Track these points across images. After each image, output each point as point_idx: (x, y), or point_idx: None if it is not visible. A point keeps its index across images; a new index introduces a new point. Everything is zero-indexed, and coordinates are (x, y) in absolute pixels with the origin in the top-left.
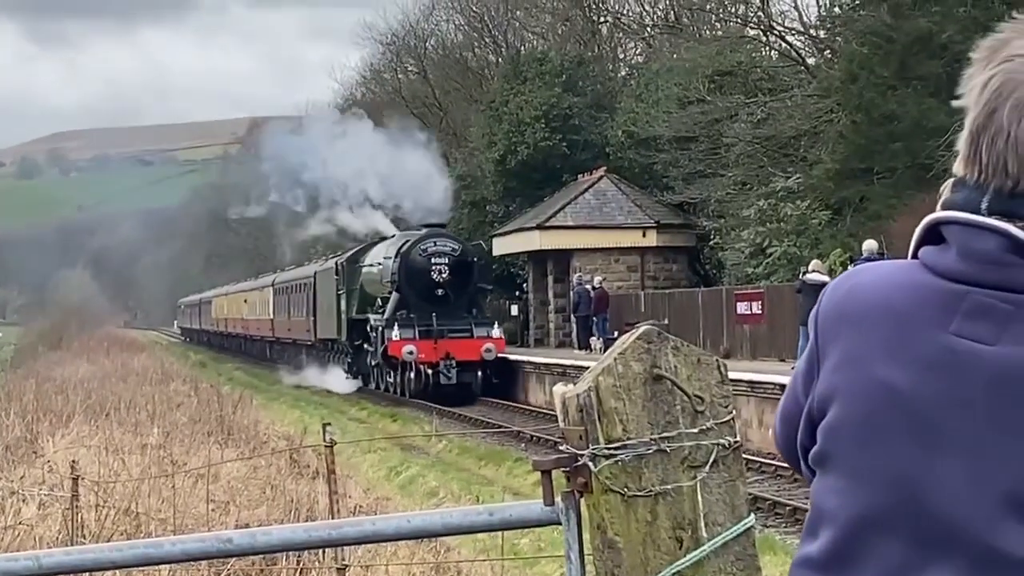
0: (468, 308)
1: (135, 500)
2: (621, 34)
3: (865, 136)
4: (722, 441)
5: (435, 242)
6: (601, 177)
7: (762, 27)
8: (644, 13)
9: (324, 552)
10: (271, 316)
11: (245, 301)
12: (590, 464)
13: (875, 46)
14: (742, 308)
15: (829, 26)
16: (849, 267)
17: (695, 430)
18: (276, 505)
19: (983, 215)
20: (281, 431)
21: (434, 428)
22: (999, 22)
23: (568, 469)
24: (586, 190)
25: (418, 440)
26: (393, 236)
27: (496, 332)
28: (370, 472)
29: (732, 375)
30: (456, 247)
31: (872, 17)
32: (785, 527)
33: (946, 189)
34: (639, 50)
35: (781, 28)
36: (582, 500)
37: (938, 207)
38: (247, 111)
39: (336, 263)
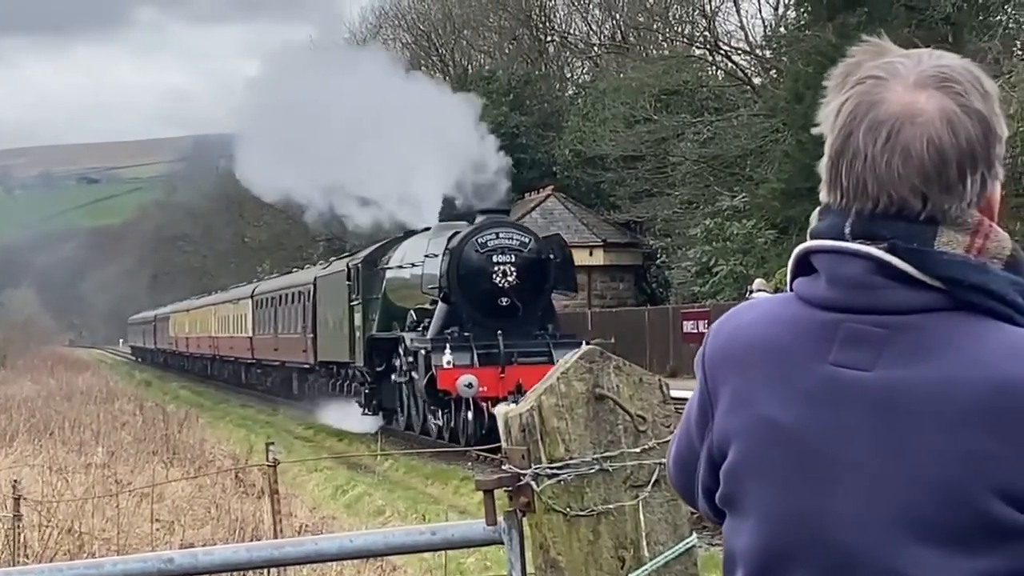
0: (542, 322)
1: (79, 520)
2: (568, 53)
3: (811, 155)
4: (664, 460)
5: (497, 233)
6: (548, 196)
7: (708, 47)
8: (591, 32)
9: (268, 572)
10: (250, 333)
11: (214, 315)
12: (532, 484)
13: (821, 66)
14: (688, 327)
15: (775, 46)
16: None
17: (637, 449)
18: (221, 524)
19: (847, 240)
20: (227, 450)
21: (379, 447)
22: (943, 43)
23: (511, 489)
24: (533, 208)
25: (364, 458)
26: (426, 229)
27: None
28: (316, 491)
29: (678, 394)
30: (526, 239)
31: (817, 37)
32: None
33: (814, 217)
34: (586, 69)
35: (727, 48)
36: (525, 519)
37: (808, 236)
38: (189, 129)
39: (348, 266)
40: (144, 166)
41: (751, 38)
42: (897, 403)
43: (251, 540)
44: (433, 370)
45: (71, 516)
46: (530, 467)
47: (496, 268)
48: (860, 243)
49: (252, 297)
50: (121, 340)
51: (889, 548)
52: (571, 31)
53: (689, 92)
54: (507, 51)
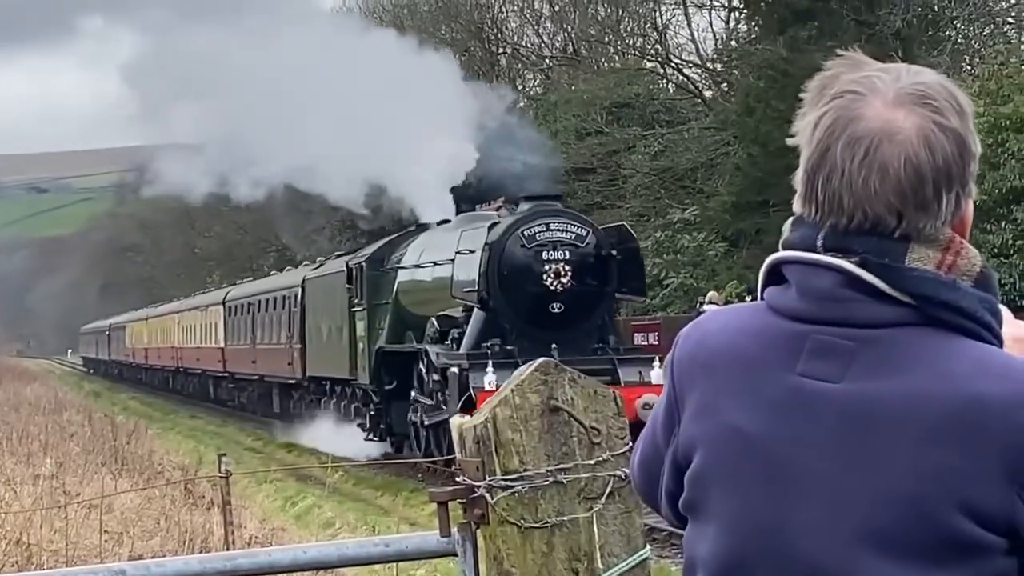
0: (601, 334)
1: (27, 531)
2: (520, 65)
3: (761, 169)
4: (618, 472)
5: (547, 224)
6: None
7: (660, 60)
8: (543, 45)
9: None
10: (222, 343)
11: (178, 324)
12: (487, 496)
13: (771, 80)
14: (639, 339)
15: (726, 59)
16: (746, 299)
17: (591, 462)
18: (171, 536)
19: (819, 252)
20: (176, 461)
21: (329, 458)
22: (895, 58)
23: (465, 500)
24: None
25: (314, 470)
26: (444, 221)
27: (656, 372)
28: (266, 502)
29: None
30: (583, 231)
31: (768, 51)
32: (682, 558)
33: (787, 228)
34: (538, 81)
35: (678, 61)
36: (479, 531)
37: (780, 246)
38: (136, 139)
39: (348, 266)
40: (95, 176)
41: (702, 51)
42: (863, 416)
43: (200, 552)
44: (471, 392)
45: (19, 528)
46: (484, 479)
47: (546, 267)
48: (832, 256)
49: (224, 303)
50: (70, 351)
51: (851, 561)
52: (523, 43)
53: (640, 105)
54: (459, 63)
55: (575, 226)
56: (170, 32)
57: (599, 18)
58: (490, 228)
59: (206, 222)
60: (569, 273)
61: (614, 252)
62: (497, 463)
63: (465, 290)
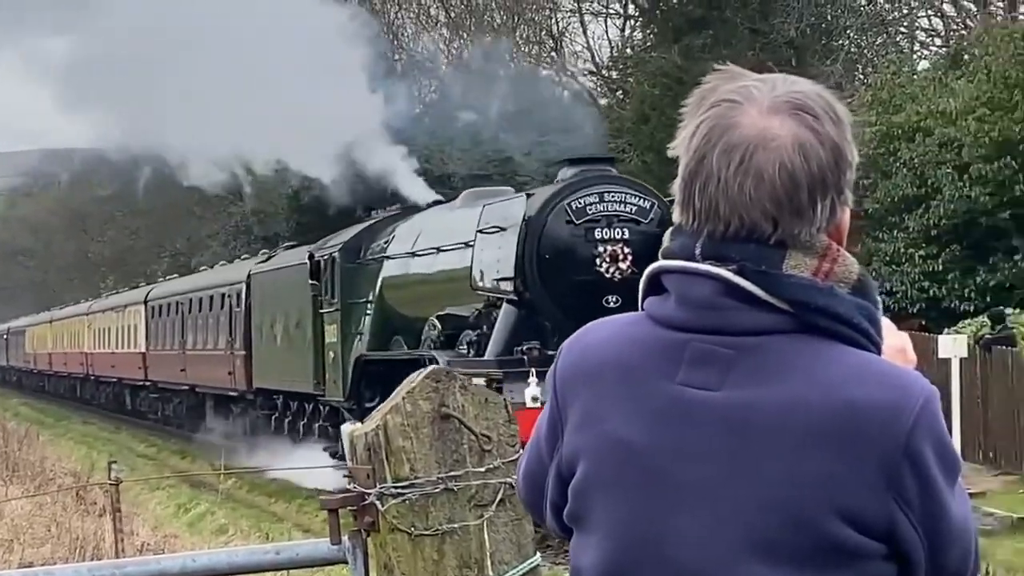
0: None
1: None
2: (416, 72)
3: (656, 176)
4: (509, 480)
5: (600, 195)
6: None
7: (555, 68)
8: (439, 51)
9: None
10: (143, 348)
11: (88, 327)
12: (377, 503)
13: (666, 87)
14: None
15: (621, 67)
16: None
17: (482, 469)
18: (61, 543)
19: (697, 261)
20: (68, 467)
21: (222, 465)
22: (787, 66)
23: (355, 508)
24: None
25: (207, 477)
26: (437, 202)
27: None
28: (158, 509)
29: None
30: (646, 203)
31: (663, 59)
32: None
33: (666, 238)
34: (433, 88)
35: (574, 69)
36: (369, 539)
37: (660, 255)
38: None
39: (313, 257)
40: None
41: (597, 59)
42: (742, 424)
43: (92, 559)
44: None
45: None
46: (375, 486)
47: (600, 249)
48: (710, 264)
49: (146, 303)
50: None
51: (732, 568)
52: (419, 50)
53: (536, 112)
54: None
55: (636, 196)
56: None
57: (495, 25)
58: (530, 198)
59: (99, 227)
60: (629, 257)
61: None
62: (388, 470)
63: (496, 279)
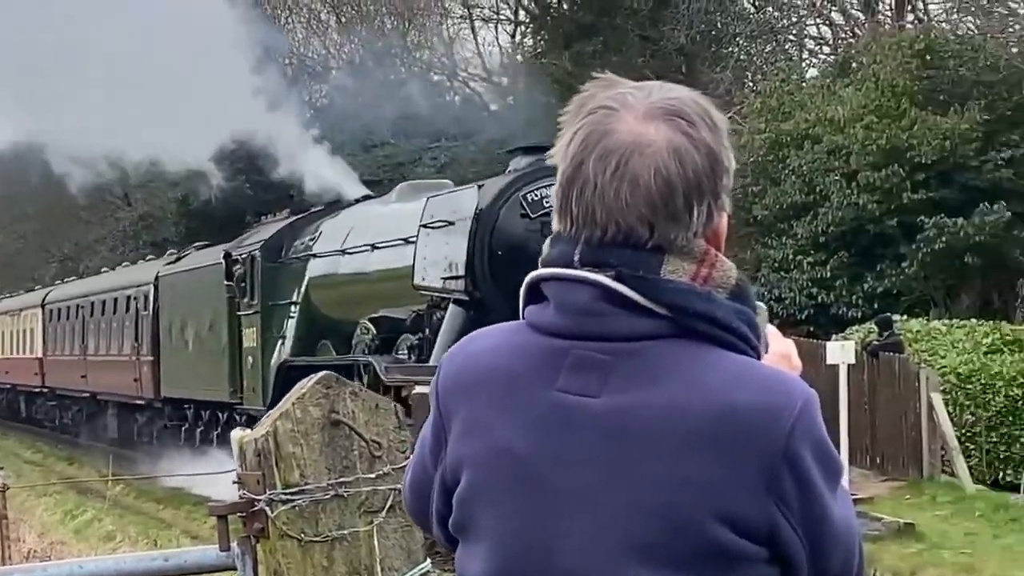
0: None
1: None
2: (307, 76)
3: None
4: (399, 486)
5: None
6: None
7: (446, 73)
8: (329, 56)
9: None
10: (39, 353)
11: None
12: (267, 509)
13: (557, 94)
14: None
15: (511, 73)
16: None
17: (372, 475)
18: None
19: (576, 267)
20: None
21: (110, 471)
22: (677, 73)
23: (245, 514)
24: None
25: (95, 483)
26: (366, 197)
27: None
28: (45, 516)
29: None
30: None
31: (554, 65)
32: None
33: (546, 246)
34: (324, 93)
35: (465, 74)
36: (259, 545)
37: (539, 263)
38: None
39: (229, 256)
40: None
41: (488, 65)
42: (622, 429)
43: None
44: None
45: None
46: (265, 492)
47: None
48: (588, 270)
49: (43, 305)
50: None
51: (614, 574)
52: (309, 54)
53: (427, 117)
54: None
55: None
56: None
57: (386, 30)
58: (481, 188)
59: None
60: None
61: None
62: (278, 477)
63: (443, 277)
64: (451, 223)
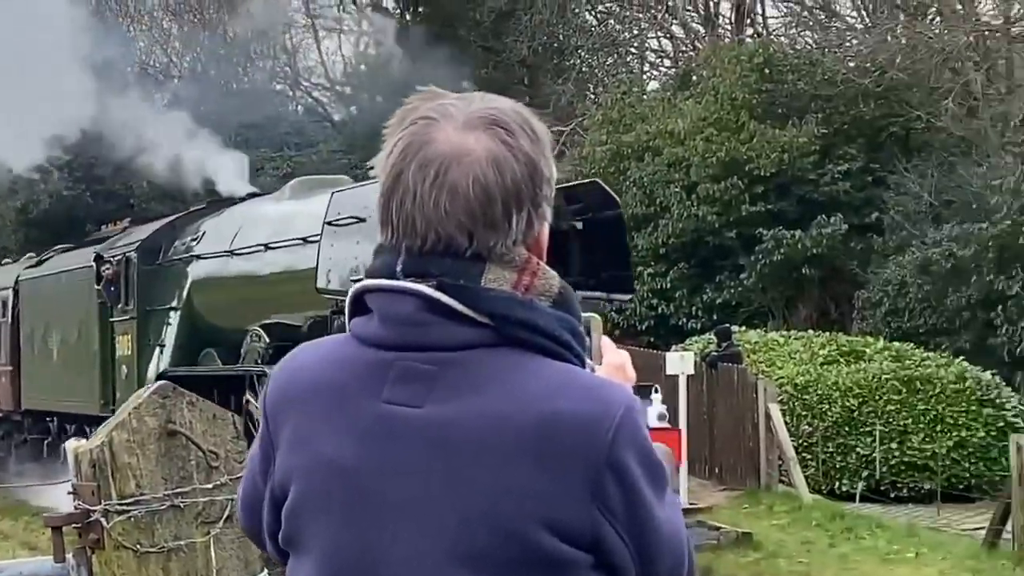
0: None
1: None
2: (150, 84)
3: None
4: (236, 496)
5: None
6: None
7: (288, 82)
8: (171, 64)
9: None
10: None
11: None
12: (102, 520)
13: (400, 104)
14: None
15: (355, 83)
16: None
17: (209, 486)
18: None
19: (399, 278)
20: None
21: None
22: (520, 84)
23: (80, 525)
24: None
25: None
26: (252, 195)
27: (656, 408)
28: None
29: None
30: None
31: (396, 75)
32: None
33: (372, 256)
34: (166, 101)
35: (307, 84)
36: (94, 556)
37: (364, 275)
38: None
39: (100, 259)
40: None
41: (331, 74)
42: (446, 439)
43: None
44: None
45: None
46: (100, 503)
47: None
48: (411, 281)
49: None
50: None
51: None
52: (151, 63)
53: (270, 126)
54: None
55: None
56: None
57: (228, 39)
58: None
59: None
60: None
61: (578, 224)
62: (113, 487)
63: (353, 279)
64: (362, 220)
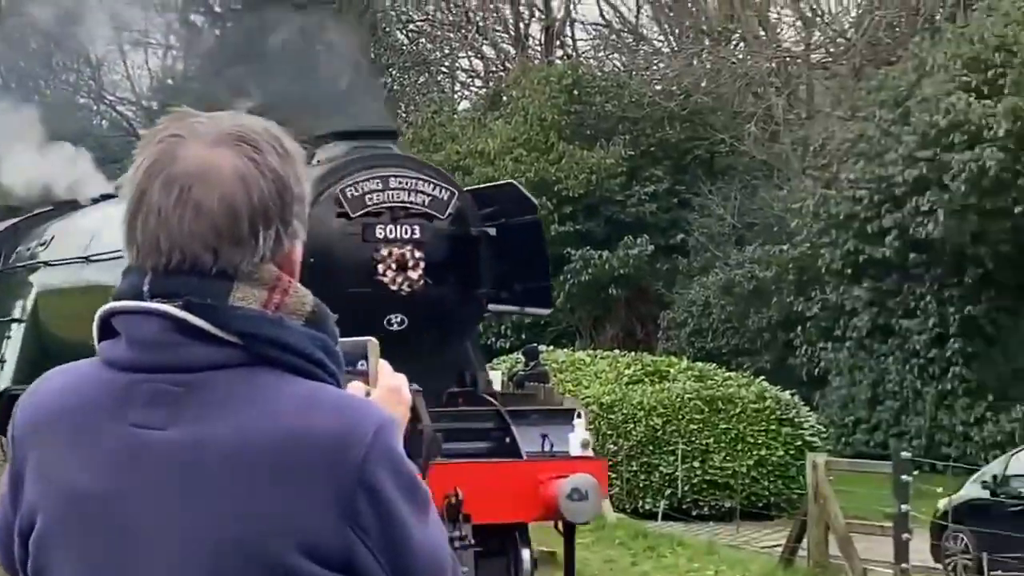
0: (460, 367)
1: None
2: None
3: None
4: None
5: (384, 180)
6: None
7: (92, 96)
8: None
9: None
10: None
11: None
12: None
13: None
14: None
15: (162, 97)
16: None
17: None
18: None
19: (146, 299)
20: None
21: None
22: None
23: None
24: None
25: None
26: (107, 196)
27: (579, 435)
28: None
29: None
30: (442, 191)
31: (205, 90)
32: None
33: (119, 278)
34: None
35: (112, 98)
36: None
37: (111, 298)
38: None
39: None
40: None
41: (138, 89)
42: (193, 462)
43: None
44: None
45: None
46: None
47: (384, 252)
48: (158, 301)
49: None
50: None
51: None
52: None
53: (74, 141)
54: None
55: (430, 183)
56: None
57: (29, 50)
58: None
59: None
60: (421, 263)
61: (490, 230)
62: None
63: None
64: None
